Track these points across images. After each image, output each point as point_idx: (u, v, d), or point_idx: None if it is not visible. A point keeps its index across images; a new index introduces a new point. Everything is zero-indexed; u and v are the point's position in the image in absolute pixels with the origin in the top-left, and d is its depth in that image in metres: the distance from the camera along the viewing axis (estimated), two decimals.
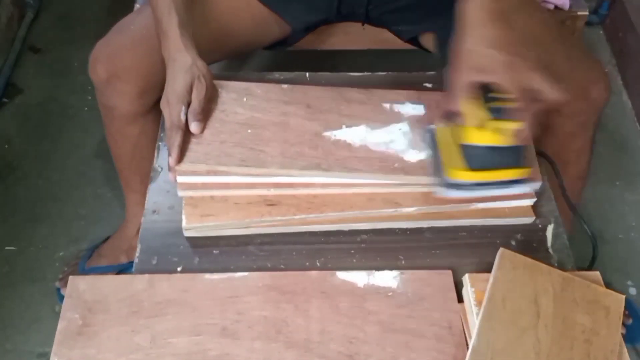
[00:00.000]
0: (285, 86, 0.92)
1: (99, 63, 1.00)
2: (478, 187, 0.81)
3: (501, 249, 0.77)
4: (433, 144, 0.85)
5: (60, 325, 0.74)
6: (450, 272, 0.80)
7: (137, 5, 1.23)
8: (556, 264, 0.82)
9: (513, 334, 0.70)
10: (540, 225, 0.87)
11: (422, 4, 1.08)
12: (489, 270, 0.76)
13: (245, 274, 0.79)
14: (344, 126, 0.87)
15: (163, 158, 0.91)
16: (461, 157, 0.79)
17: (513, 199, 0.86)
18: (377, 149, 0.85)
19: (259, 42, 1.13)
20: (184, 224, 0.82)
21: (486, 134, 0.76)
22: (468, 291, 0.75)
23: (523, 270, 0.75)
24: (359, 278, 0.79)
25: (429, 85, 0.99)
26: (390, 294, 0.77)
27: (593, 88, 0.98)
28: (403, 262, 0.82)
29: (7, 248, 1.40)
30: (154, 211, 0.86)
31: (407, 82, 0.98)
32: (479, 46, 0.73)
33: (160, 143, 0.93)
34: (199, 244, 0.83)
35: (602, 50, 1.88)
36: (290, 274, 0.79)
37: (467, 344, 0.73)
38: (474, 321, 0.72)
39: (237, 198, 0.84)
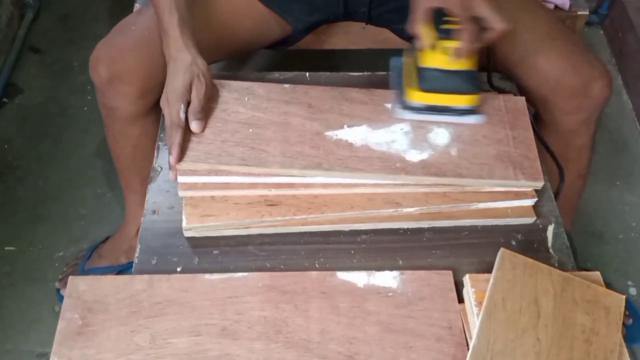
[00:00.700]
0: (286, 86, 0.92)
1: (100, 64, 1.00)
2: (430, 110, 0.86)
3: (501, 249, 0.77)
4: (399, 71, 0.90)
5: (60, 326, 0.74)
6: (450, 272, 0.80)
7: (137, 6, 1.23)
8: (556, 264, 0.82)
9: (513, 334, 0.70)
10: (540, 226, 0.87)
11: None
12: (489, 271, 0.76)
13: (245, 274, 0.79)
14: (345, 126, 0.87)
15: (163, 158, 0.91)
16: (416, 79, 0.85)
17: (513, 199, 0.86)
18: (378, 148, 0.85)
19: (259, 42, 1.13)
20: (184, 224, 0.82)
21: (437, 56, 0.83)
22: (468, 291, 0.75)
23: (523, 271, 0.75)
24: (359, 278, 0.79)
25: None
26: (390, 294, 0.77)
27: (595, 84, 0.98)
28: (403, 262, 0.82)
29: (7, 248, 1.40)
30: (154, 211, 0.86)
31: None
32: None
33: (160, 143, 0.93)
34: (199, 244, 0.83)
35: (602, 50, 1.87)
36: (290, 274, 0.79)
37: (467, 344, 0.73)
38: (474, 321, 0.72)
39: (237, 198, 0.84)
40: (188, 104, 0.83)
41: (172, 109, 0.83)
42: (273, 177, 0.83)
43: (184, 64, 0.85)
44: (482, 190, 0.86)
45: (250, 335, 0.73)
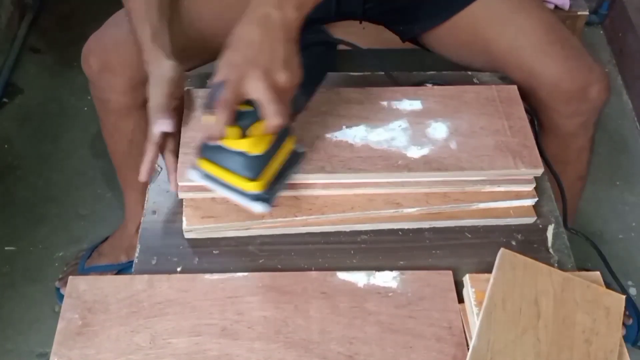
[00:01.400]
0: None
1: (91, 55, 1.00)
2: (211, 179, 0.77)
3: (501, 249, 0.77)
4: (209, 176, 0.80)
5: (60, 326, 0.74)
6: (450, 272, 0.80)
7: None
8: (556, 264, 0.82)
9: (513, 334, 0.70)
10: (540, 226, 0.87)
11: (420, 4, 1.08)
12: (489, 271, 0.75)
13: (245, 274, 0.79)
14: (343, 127, 0.87)
15: (162, 158, 0.91)
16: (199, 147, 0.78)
17: (514, 199, 0.86)
18: (379, 147, 0.85)
19: None
20: (184, 225, 0.82)
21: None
22: (468, 291, 0.75)
23: (523, 271, 0.75)
24: (359, 278, 0.79)
25: (429, 85, 0.99)
26: (390, 294, 0.77)
27: (593, 88, 0.98)
28: (403, 262, 0.82)
29: (7, 248, 1.40)
30: (154, 211, 0.86)
31: (407, 82, 0.98)
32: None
33: None
34: (199, 244, 0.83)
35: (602, 50, 1.88)
36: (290, 274, 0.79)
37: (467, 344, 0.73)
38: (474, 321, 0.72)
39: None
40: (169, 116, 0.82)
41: (149, 125, 0.82)
42: None
43: (155, 79, 0.84)
44: (483, 190, 0.86)
45: (250, 335, 0.73)
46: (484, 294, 0.73)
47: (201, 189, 0.83)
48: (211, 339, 0.73)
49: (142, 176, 0.81)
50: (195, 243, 0.83)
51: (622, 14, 1.81)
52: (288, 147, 0.79)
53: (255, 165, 0.75)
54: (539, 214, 0.87)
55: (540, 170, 0.84)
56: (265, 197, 0.77)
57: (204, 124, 0.75)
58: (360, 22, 1.15)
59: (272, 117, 0.69)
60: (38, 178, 1.52)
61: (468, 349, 0.71)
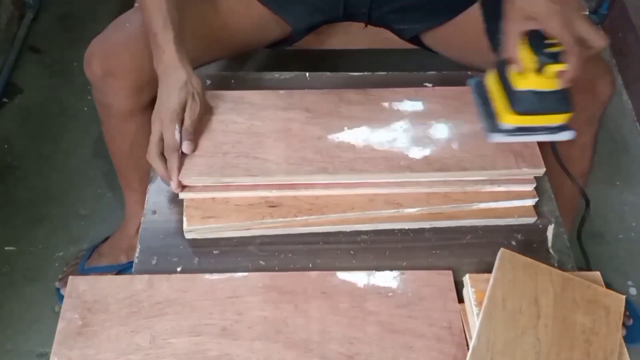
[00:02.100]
0: (282, 92, 0.92)
1: (94, 59, 1.00)
2: (522, 131, 0.83)
3: (501, 249, 0.77)
4: (481, 92, 0.87)
5: (60, 326, 0.74)
6: (450, 272, 0.80)
7: (137, 5, 1.23)
8: (556, 264, 0.82)
9: (513, 334, 0.70)
10: (540, 226, 0.87)
11: (424, 3, 1.08)
12: (489, 271, 0.75)
13: (245, 274, 0.79)
14: (345, 128, 0.87)
15: None
16: (508, 102, 0.81)
17: (514, 199, 0.86)
18: (381, 148, 0.85)
19: (259, 42, 1.13)
20: (185, 226, 0.82)
21: (535, 79, 0.79)
22: (468, 291, 0.75)
23: (523, 271, 0.75)
24: (359, 278, 0.79)
25: (429, 85, 0.99)
26: (390, 294, 0.77)
27: (599, 82, 0.98)
28: (403, 262, 0.82)
29: (7, 248, 1.40)
30: (154, 211, 0.86)
31: (407, 82, 0.98)
32: None
33: None
34: (199, 244, 0.83)
35: (602, 50, 1.88)
36: (290, 274, 0.79)
37: (467, 344, 0.73)
38: (474, 321, 0.72)
39: (238, 200, 0.84)
40: (182, 123, 0.82)
41: (166, 131, 0.82)
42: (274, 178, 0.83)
43: (179, 83, 0.83)
44: (484, 190, 0.86)
45: (250, 335, 0.73)
46: (484, 294, 0.73)
47: (202, 190, 0.83)
48: (211, 339, 0.73)
49: (176, 187, 0.82)
50: (195, 243, 0.83)
51: (622, 14, 1.81)
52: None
53: (568, 98, 0.81)
54: (539, 214, 0.87)
55: (541, 170, 0.84)
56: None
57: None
58: (366, 26, 1.15)
59: (601, 42, 0.78)
60: (38, 178, 1.52)
61: (468, 349, 0.71)
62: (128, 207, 1.28)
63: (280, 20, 1.09)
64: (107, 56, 0.98)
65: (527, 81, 0.79)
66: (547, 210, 0.88)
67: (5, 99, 1.67)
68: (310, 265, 0.82)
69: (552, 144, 0.86)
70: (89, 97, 1.64)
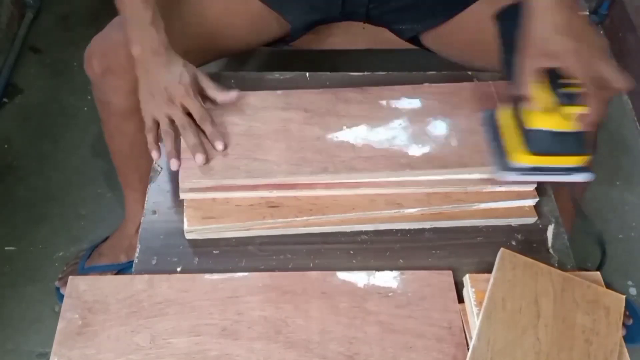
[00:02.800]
0: (279, 92, 0.92)
1: (94, 58, 1.00)
2: (536, 171, 0.80)
3: (501, 249, 0.77)
4: (493, 127, 0.85)
5: (60, 326, 0.74)
6: (450, 272, 0.80)
7: None
8: (556, 264, 0.82)
9: (513, 334, 0.70)
10: (540, 226, 0.87)
11: (423, 3, 1.08)
12: (489, 271, 0.75)
13: (245, 274, 0.79)
14: (344, 127, 0.87)
15: (162, 158, 0.91)
16: (523, 141, 0.79)
17: (515, 199, 0.86)
18: (381, 146, 0.85)
19: (257, 40, 1.13)
20: (185, 226, 0.82)
21: (551, 119, 0.76)
22: (468, 291, 0.75)
23: (523, 271, 0.75)
24: (359, 278, 0.79)
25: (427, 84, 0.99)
26: (390, 294, 0.77)
27: None
28: (403, 262, 0.82)
29: (7, 248, 1.40)
30: (154, 211, 0.86)
31: (407, 82, 0.98)
32: (549, 32, 0.73)
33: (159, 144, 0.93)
34: (199, 244, 0.83)
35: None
36: (290, 274, 0.79)
37: (467, 344, 0.73)
38: (474, 321, 0.72)
39: (238, 200, 0.84)
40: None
41: (193, 105, 0.83)
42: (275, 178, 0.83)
43: (179, 60, 0.85)
44: (484, 190, 0.86)
45: (250, 335, 0.73)
46: (484, 294, 0.73)
47: (202, 190, 0.83)
48: (211, 339, 0.73)
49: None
50: (195, 243, 0.83)
51: (622, 14, 1.81)
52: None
53: (585, 140, 0.78)
54: (539, 214, 0.87)
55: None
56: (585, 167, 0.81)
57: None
58: (364, 25, 1.15)
59: (624, 83, 0.72)
60: (38, 178, 1.52)
61: (468, 349, 0.71)
62: (128, 206, 1.28)
63: (279, 17, 1.09)
64: (107, 54, 0.98)
65: (544, 120, 0.76)
66: (547, 210, 0.88)
67: (5, 99, 1.68)
68: (311, 265, 0.82)
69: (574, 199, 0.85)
70: (89, 97, 1.64)
